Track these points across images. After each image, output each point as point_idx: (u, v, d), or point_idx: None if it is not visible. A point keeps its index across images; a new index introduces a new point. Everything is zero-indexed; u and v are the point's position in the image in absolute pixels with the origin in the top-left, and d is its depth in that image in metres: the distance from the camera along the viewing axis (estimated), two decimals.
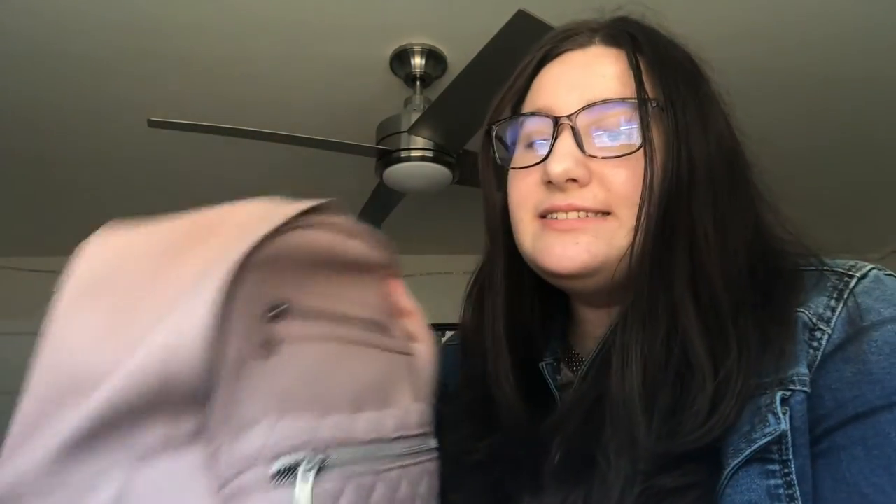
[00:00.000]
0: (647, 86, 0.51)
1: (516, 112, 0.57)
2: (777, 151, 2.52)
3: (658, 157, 0.49)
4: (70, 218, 3.20)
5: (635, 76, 0.50)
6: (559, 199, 0.50)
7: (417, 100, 2.04)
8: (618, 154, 0.50)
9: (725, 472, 0.43)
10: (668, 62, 0.52)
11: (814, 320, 0.46)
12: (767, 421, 0.43)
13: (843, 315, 0.45)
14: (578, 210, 0.50)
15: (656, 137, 0.50)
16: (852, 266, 0.49)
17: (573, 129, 0.51)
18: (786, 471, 0.42)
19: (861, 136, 2.47)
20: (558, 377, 0.57)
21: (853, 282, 0.47)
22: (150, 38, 1.94)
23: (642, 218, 0.48)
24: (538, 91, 0.55)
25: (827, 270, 0.49)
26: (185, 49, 1.99)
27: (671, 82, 0.51)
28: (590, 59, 0.54)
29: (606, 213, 0.50)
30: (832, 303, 0.46)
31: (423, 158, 1.98)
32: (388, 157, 2.00)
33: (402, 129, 1.96)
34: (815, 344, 0.45)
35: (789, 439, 0.43)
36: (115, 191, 2.91)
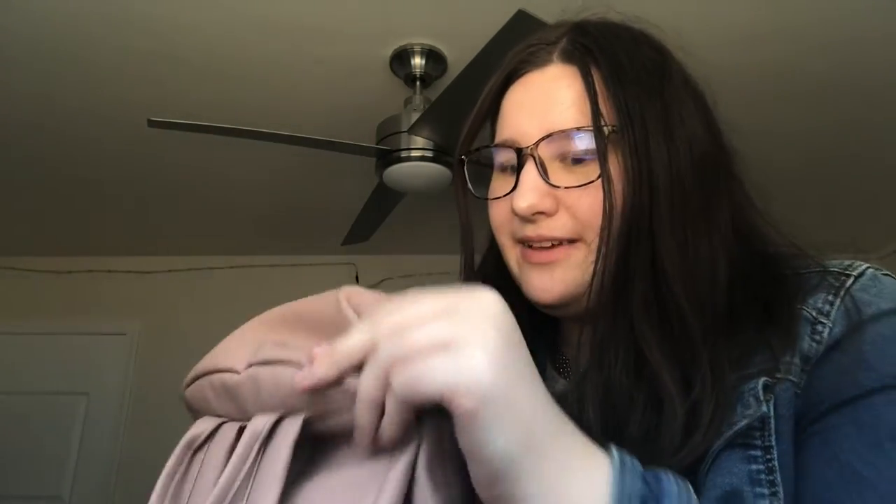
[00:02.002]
0: (604, 107, 0.51)
1: (492, 131, 0.59)
2: (779, 152, 2.51)
3: (617, 184, 0.49)
4: (70, 218, 3.21)
5: (590, 102, 0.50)
6: (530, 231, 0.52)
7: (417, 100, 2.04)
8: (579, 183, 0.50)
9: (708, 456, 0.44)
10: (626, 73, 0.52)
11: (814, 314, 0.47)
12: (749, 404, 0.44)
13: (840, 309, 0.46)
14: (549, 240, 0.52)
15: (617, 160, 0.50)
16: (849, 265, 0.49)
17: (535, 159, 0.52)
18: (768, 456, 0.43)
19: (861, 137, 2.47)
20: None
21: (850, 280, 0.48)
22: (150, 38, 1.94)
23: (601, 253, 0.49)
24: (504, 118, 0.56)
25: (826, 271, 0.50)
26: (185, 49, 1.99)
27: (630, 96, 0.51)
28: (548, 81, 0.54)
29: (576, 240, 0.51)
30: (830, 297, 0.47)
31: (423, 158, 1.98)
32: (388, 157, 2.00)
33: (402, 129, 1.96)
34: (817, 338, 0.46)
35: (772, 425, 0.43)
36: (115, 191, 2.91)
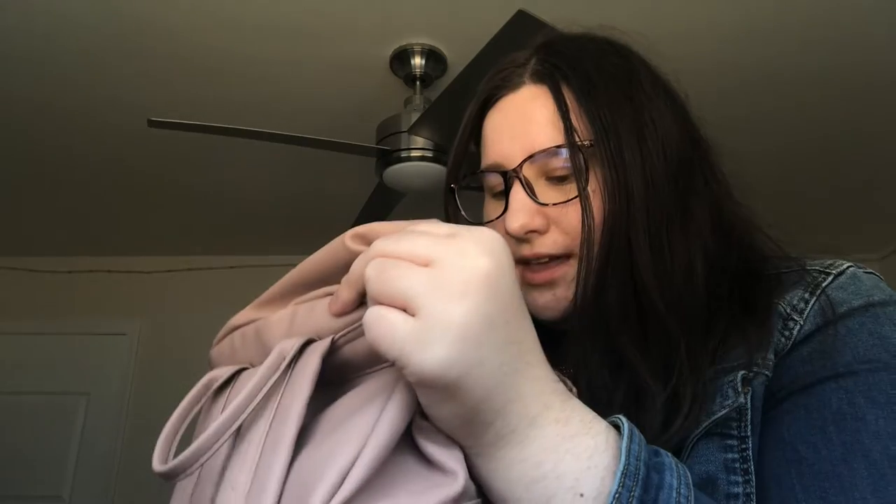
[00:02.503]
0: (578, 122, 0.52)
1: (479, 156, 0.60)
2: (777, 152, 2.51)
3: (598, 195, 0.51)
4: (70, 218, 3.21)
5: (563, 120, 0.52)
6: (526, 250, 0.54)
7: (417, 100, 2.04)
8: (565, 199, 0.52)
9: (686, 444, 0.46)
10: (596, 85, 0.53)
11: (787, 310, 0.48)
12: (727, 395, 0.46)
13: (815, 308, 0.48)
14: (545, 256, 0.53)
15: (596, 173, 0.52)
16: (830, 264, 0.51)
17: (521, 180, 0.53)
18: (743, 446, 0.45)
19: (860, 137, 2.47)
20: None
21: (829, 278, 0.49)
22: (150, 38, 1.94)
23: (583, 265, 0.51)
24: (487, 143, 0.58)
25: (805, 269, 0.51)
26: (185, 49, 1.99)
27: (602, 108, 0.52)
28: (523, 102, 0.56)
29: (569, 256, 0.53)
30: (806, 295, 0.49)
31: (423, 158, 1.98)
32: (388, 157, 2.00)
33: (402, 129, 1.96)
34: (786, 333, 0.48)
35: (749, 416, 0.45)
36: (115, 191, 2.91)
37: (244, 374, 0.42)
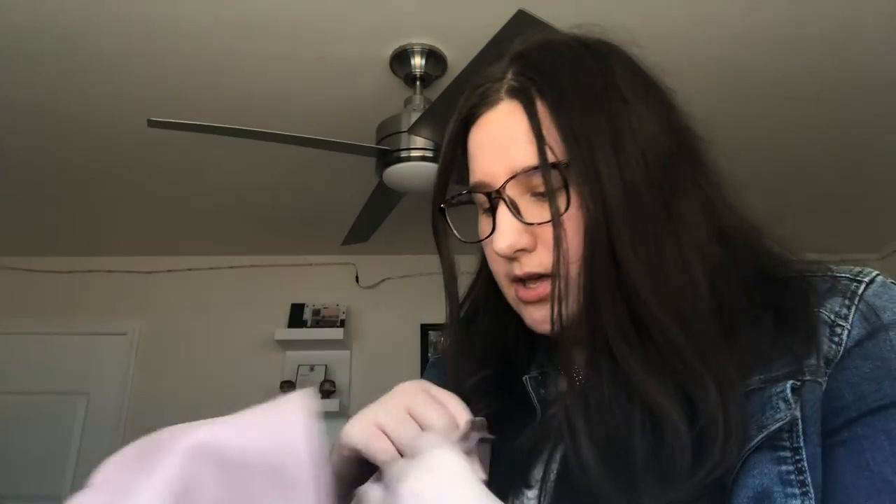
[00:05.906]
0: (553, 137, 0.51)
1: (464, 173, 0.59)
2: (777, 152, 2.51)
3: (577, 211, 0.50)
4: (70, 218, 3.21)
5: (536, 140, 0.51)
6: (517, 269, 0.54)
7: (417, 100, 2.04)
8: (549, 218, 0.51)
9: (738, 459, 0.44)
10: (569, 97, 0.52)
11: (832, 317, 0.48)
12: (778, 407, 0.45)
13: (857, 314, 0.48)
14: (535, 276, 0.53)
15: (574, 189, 0.50)
16: (860, 272, 0.51)
17: (506, 201, 0.53)
18: (797, 457, 0.44)
19: (861, 136, 2.47)
20: (542, 391, 0.59)
21: (863, 286, 0.49)
22: (150, 38, 1.94)
23: (557, 290, 0.49)
24: (472, 161, 0.57)
25: (836, 276, 0.51)
26: (185, 49, 1.99)
27: (576, 121, 0.51)
28: (502, 119, 0.55)
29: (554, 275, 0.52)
30: (846, 302, 0.49)
31: (423, 158, 1.98)
32: (388, 157, 2.00)
33: (402, 129, 1.96)
34: (836, 339, 0.47)
35: (800, 427, 0.44)
36: (115, 191, 2.91)
37: None
